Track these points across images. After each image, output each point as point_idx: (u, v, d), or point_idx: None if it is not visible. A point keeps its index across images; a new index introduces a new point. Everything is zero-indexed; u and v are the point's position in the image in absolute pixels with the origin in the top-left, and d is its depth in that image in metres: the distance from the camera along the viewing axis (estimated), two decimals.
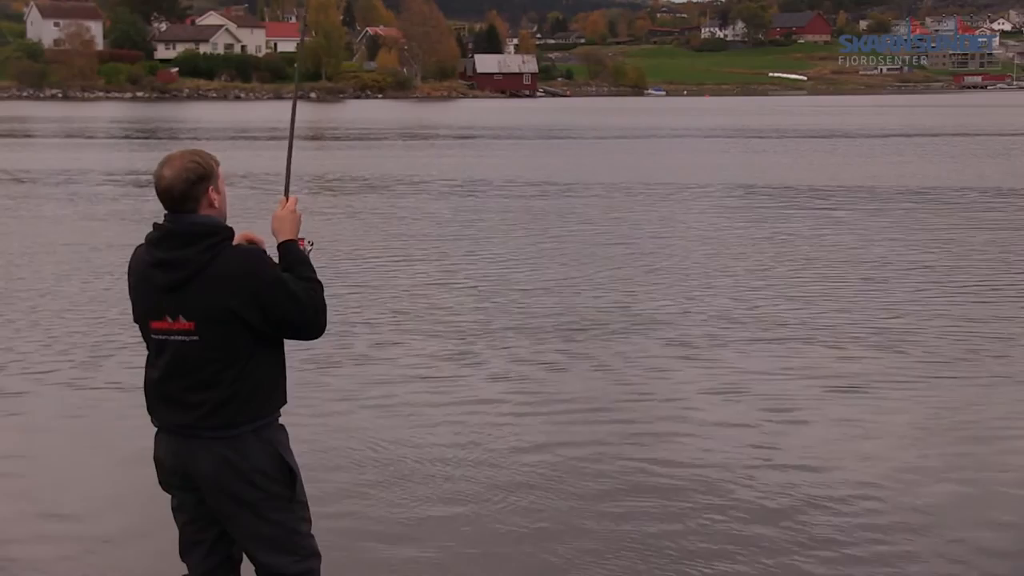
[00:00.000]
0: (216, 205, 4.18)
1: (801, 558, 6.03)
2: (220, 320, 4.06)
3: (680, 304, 13.08)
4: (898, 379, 9.79)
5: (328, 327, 4.36)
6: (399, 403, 9.00)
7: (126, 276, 4.27)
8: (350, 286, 13.90)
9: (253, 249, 4.17)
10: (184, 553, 4.38)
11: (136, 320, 4.26)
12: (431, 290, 14.01)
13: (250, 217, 19.10)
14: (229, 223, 4.20)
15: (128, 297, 4.29)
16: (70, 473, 7.56)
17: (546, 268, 15.70)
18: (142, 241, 4.21)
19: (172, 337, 4.12)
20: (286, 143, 4.63)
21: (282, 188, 4.54)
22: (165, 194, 4.11)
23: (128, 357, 10.34)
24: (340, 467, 7.47)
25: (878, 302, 13.12)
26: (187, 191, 4.10)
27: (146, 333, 4.22)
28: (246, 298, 4.05)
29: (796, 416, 8.65)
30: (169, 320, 4.11)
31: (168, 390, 4.16)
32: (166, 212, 4.15)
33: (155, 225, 4.17)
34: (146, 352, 4.27)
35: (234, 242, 4.18)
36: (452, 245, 17.92)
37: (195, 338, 4.09)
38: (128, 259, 4.24)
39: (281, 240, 4.31)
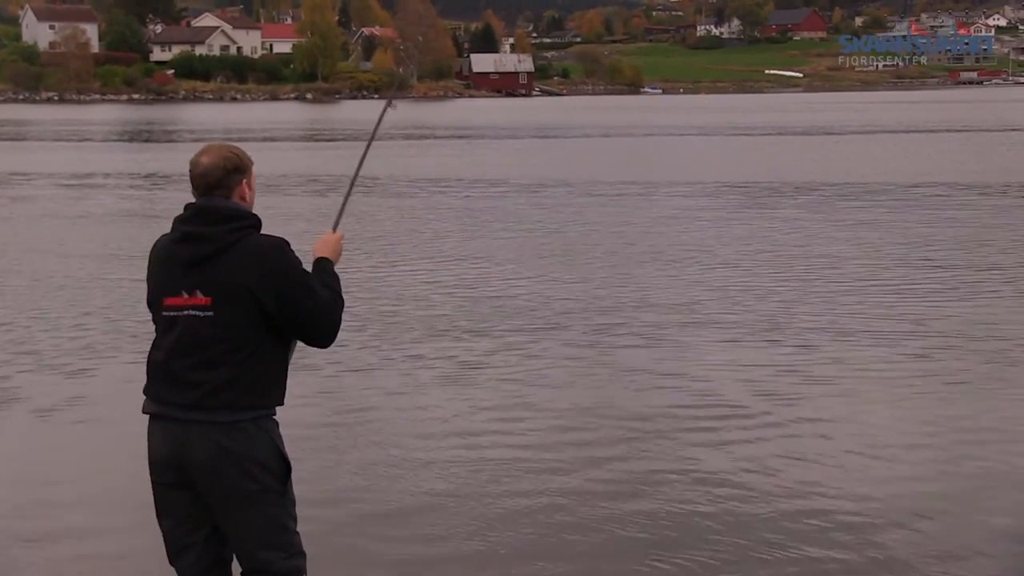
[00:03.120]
0: (247, 199, 4.31)
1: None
2: (237, 298, 4.12)
3: (674, 301, 13.26)
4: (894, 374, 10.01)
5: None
6: (388, 405, 9.06)
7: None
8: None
9: (280, 238, 4.25)
10: (174, 558, 4.37)
11: (149, 301, 4.32)
12: (408, 291, 14.20)
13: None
14: None
15: (142, 294, 4.39)
16: (71, 470, 7.68)
17: (531, 266, 15.88)
18: (155, 236, 4.34)
19: (185, 312, 4.16)
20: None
21: (333, 220, 4.73)
22: (200, 179, 4.23)
23: (134, 355, 10.52)
24: (337, 472, 7.49)
25: (867, 298, 13.36)
26: (222, 178, 4.23)
27: (157, 312, 4.27)
28: (266, 280, 4.12)
29: (815, 422, 8.55)
30: (185, 295, 4.16)
31: (172, 368, 4.18)
32: (197, 199, 4.26)
33: (186, 206, 4.28)
34: (154, 338, 4.33)
35: None
36: (436, 244, 18.11)
37: (209, 314, 4.13)
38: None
39: (319, 256, 4.47)
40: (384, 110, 5.20)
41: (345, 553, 6.20)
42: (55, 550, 6.33)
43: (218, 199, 4.24)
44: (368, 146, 5.08)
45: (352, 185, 4.90)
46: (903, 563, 6.01)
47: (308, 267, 4.37)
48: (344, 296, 4.41)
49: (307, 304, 4.20)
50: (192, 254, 4.16)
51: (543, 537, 6.38)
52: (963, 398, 9.20)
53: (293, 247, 4.30)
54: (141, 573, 5.93)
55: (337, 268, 4.49)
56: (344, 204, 4.81)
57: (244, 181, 4.30)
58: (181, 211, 4.31)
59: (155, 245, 4.37)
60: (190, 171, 4.29)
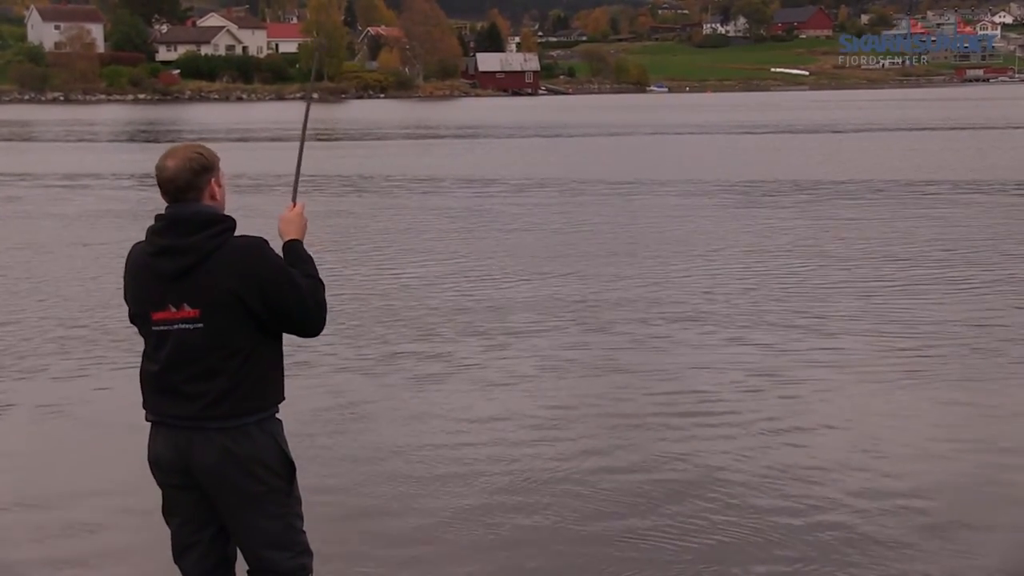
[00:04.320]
0: (217, 197, 4.23)
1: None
2: (225, 306, 4.08)
3: (668, 299, 13.23)
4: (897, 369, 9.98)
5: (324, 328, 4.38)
6: (393, 407, 9.01)
7: (122, 277, 4.32)
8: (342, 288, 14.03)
9: (258, 238, 4.19)
10: (179, 556, 4.37)
11: (134, 315, 4.26)
12: (401, 291, 14.17)
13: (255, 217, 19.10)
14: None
15: (123, 300, 4.32)
16: (67, 471, 7.64)
17: (525, 265, 15.85)
18: (138, 239, 4.27)
19: (175, 326, 4.11)
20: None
21: (290, 193, 4.64)
22: (168, 184, 4.15)
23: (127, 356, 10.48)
24: (346, 472, 7.47)
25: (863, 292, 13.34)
26: (191, 180, 4.15)
27: (146, 327, 4.21)
28: (250, 282, 4.08)
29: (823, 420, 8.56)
30: (172, 309, 4.11)
31: (169, 382, 4.15)
32: (168, 203, 4.19)
33: (157, 216, 4.20)
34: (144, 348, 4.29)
35: None
36: (430, 244, 18.09)
37: (199, 325, 4.09)
38: (119, 259, 4.29)
39: (287, 239, 4.41)
40: (308, 104, 5.05)
41: (345, 553, 6.16)
42: (55, 551, 6.31)
43: (190, 205, 4.16)
44: (305, 122, 4.81)
45: (301, 152, 4.67)
46: (906, 570, 5.95)
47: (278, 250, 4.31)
48: (333, 294, 4.39)
49: (292, 299, 4.16)
50: (173, 267, 4.10)
51: (540, 540, 6.35)
52: (963, 396, 9.16)
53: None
54: (144, 573, 5.92)
55: (327, 268, 4.43)
56: (297, 174, 4.72)
57: (212, 180, 4.22)
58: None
59: (130, 255, 4.30)
60: (157, 176, 4.20)
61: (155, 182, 4.23)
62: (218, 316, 4.10)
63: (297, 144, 4.66)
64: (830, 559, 6.03)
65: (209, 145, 4.44)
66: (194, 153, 4.22)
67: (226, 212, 4.28)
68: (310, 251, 4.43)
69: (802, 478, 7.24)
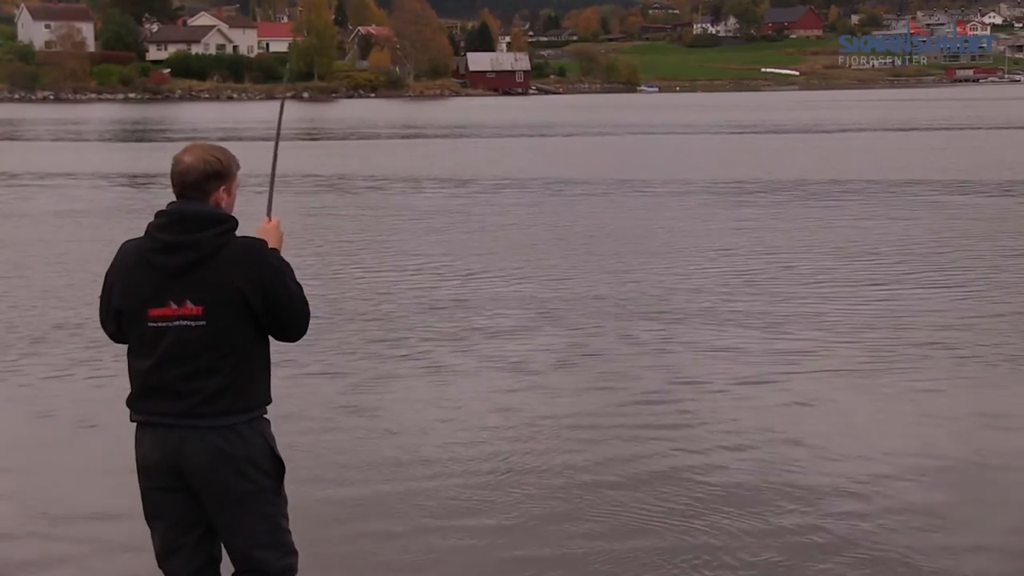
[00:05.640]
0: (223, 205, 4.24)
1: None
2: (229, 303, 4.09)
3: (671, 298, 13.31)
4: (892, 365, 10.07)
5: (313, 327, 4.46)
6: (393, 411, 9.01)
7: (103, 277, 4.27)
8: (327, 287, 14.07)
9: (258, 239, 4.26)
10: (164, 559, 4.35)
11: (122, 312, 4.22)
12: (383, 290, 14.21)
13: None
14: None
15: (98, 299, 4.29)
16: (62, 472, 7.62)
17: (509, 264, 15.90)
18: (125, 240, 4.28)
19: (175, 323, 4.10)
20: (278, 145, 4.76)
21: (264, 207, 4.60)
22: (178, 177, 4.17)
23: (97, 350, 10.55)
24: (344, 474, 7.49)
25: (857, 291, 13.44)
26: (199, 181, 4.16)
27: (138, 324, 4.17)
28: (254, 280, 4.11)
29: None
30: (173, 305, 4.10)
31: (162, 379, 4.13)
32: (173, 199, 4.20)
33: (158, 213, 4.20)
34: (130, 347, 4.27)
35: None
36: (413, 243, 18.12)
37: (201, 323, 4.09)
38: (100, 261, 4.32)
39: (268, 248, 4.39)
40: (282, 107, 5.15)
41: (333, 553, 6.19)
42: (49, 550, 6.32)
43: (193, 203, 4.18)
44: (279, 126, 4.94)
45: (274, 167, 4.73)
46: (902, 564, 5.98)
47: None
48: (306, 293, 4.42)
49: (286, 302, 4.21)
50: (178, 263, 4.11)
51: (513, 543, 6.36)
52: (952, 394, 9.28)
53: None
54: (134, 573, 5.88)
55: (300, 267, 4.50)
56: (271, 189, 4.76)
57: (222, 188, 4.24)
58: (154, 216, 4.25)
59: (123, 251, 4.27)
60: (171, 167, 4.24)
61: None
62: (221, 314, 4.11)
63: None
64: (817, 555, 6.06)
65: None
66: (212, 156, 4.24)
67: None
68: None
69: (784, 479, 7.23)
